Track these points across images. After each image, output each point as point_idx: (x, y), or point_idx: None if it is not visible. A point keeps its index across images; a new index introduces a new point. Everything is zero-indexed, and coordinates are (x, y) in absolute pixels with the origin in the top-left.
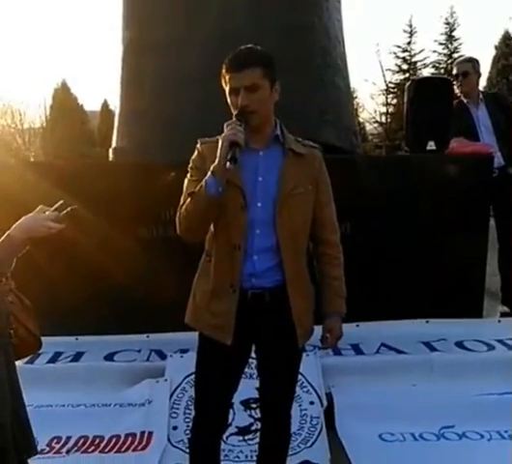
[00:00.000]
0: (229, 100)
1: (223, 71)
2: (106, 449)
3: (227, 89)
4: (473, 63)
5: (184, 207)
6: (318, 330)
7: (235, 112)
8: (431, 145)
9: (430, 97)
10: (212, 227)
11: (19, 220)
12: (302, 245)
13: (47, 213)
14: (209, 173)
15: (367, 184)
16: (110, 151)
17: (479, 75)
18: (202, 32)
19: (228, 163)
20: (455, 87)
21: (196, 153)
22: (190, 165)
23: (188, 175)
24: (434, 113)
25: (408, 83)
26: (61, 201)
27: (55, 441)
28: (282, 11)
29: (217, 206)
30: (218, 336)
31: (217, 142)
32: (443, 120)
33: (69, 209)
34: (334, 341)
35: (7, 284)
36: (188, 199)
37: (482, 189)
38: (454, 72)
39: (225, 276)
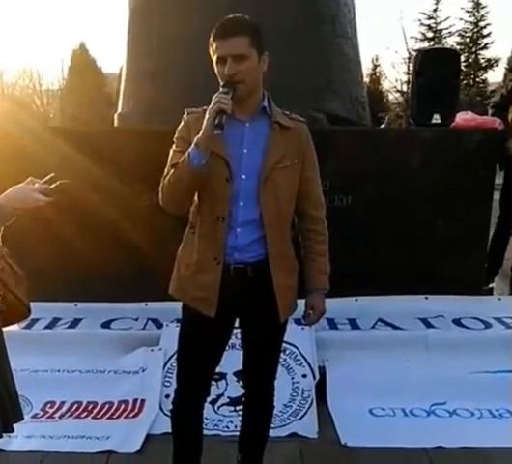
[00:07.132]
0: (216, 69)
1: (211, 39)
2: (99, 415)
3: (214, 58)
4: None
5: (167, 178)
6: (302, 305)
7: (222, 82)
8: (436, 118)
9: (437, 69)
10: (196, 199)
11: (8, 190)
12: (286, 219)
13: (37, 185)
14: (192, 145)
15: (370, 156)
16: (115, 116)
17: None
18: None
19: (215, 130)
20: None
21: (182, 123)
22: (176, 136)
23: (174, 145)
24: (440, 86)
25: (415, 54)
26: (51, 174)
27: (49, 405)
28: None
29: (201, 178)
30: (202, 308)
31: (204, 112)
32: (449, 93)
33: (58, 182)
34: (317, 318)
35: None
36: (172, 170)
37: (485, 164)
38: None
39: (209, 249)
